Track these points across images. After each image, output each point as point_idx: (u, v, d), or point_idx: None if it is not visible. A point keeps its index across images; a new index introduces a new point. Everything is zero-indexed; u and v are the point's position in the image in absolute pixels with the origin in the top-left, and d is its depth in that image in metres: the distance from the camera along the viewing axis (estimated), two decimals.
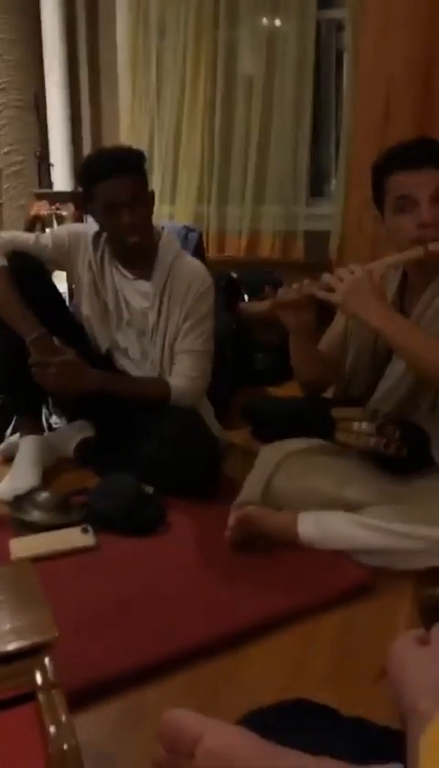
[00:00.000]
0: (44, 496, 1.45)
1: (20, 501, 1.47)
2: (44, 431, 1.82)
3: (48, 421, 1.94)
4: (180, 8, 3.31)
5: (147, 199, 1.69)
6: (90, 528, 1.39)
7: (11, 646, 0.64)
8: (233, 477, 1.72)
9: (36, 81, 3.46)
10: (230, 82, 3.34)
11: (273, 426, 1.75)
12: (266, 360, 2.68)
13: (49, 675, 0.63)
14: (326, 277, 1.35)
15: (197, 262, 1.81)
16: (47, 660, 0.64)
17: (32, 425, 1.73)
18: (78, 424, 1.87)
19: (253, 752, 0.57)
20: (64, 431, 1.88)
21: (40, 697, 0.60)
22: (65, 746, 0.54)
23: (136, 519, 1.41)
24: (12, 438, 1.83)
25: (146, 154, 1.79)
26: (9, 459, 1.76)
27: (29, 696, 0.61)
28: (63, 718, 0.58)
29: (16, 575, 0.77)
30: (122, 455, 1.68)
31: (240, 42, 3.33)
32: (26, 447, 1.67)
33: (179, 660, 1.04)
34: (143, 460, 1.59)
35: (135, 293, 1.76)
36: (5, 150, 3.41)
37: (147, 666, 1.02)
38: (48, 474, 1.70)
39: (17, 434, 1.78)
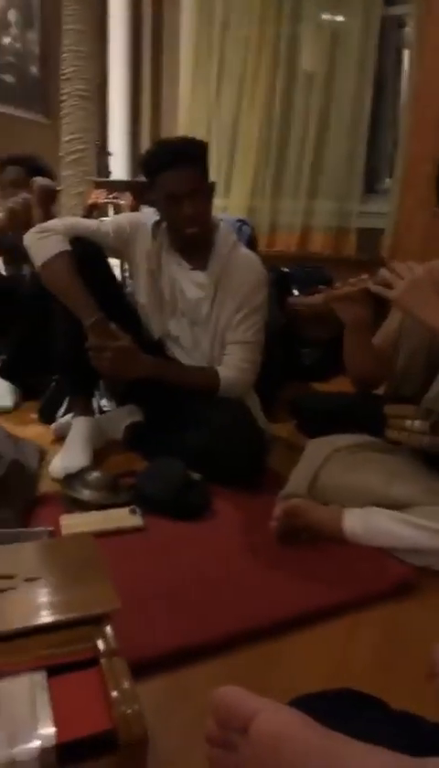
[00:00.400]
0: (94, 475, 1.49)
1: (71, 479, 1.50)
2: (94, 413, 1.86)
3: (98, 403, 1.98)
4: (245, 2, 3.31)
5: (207, 191, 1.71)
6: (137, 509, 1.42)
7: (76, 614, 0.67)
8: (277, 470, 1.73)
9: (100, 72, 3.52)
10: (290, 77, 3.33)
11: (319, 421, 1.76)
12: (314, 356, 2.67)
13: (111, 643, 0.65)
14: (384, 272, 1.34)
15: (252, 255, 1.82)
16: (108, 629, 0.67)
17: (84, 407, 1.78)
18: (127, 408, 1.90)
19: (307, 734, 0.58)
20: (114, 414, 1.91)
21: (103, 662, 0.63)
22: (128, 711, 0.56)
23: (183, 504, 1.43)
24: (64, 418, 1.87)
25: None
26: (61, 438, 1.81)
27: (93, 662, 0.64)
28: (125, 684, 0.60)
29: (80, 546, 0.80)
30: (169, 441, 1.70)
31: (303, 37, 3.32)
32: (78, 428, 1.71)
33: (222, 644, 1.05)
34: (190, 447, 1.61)
35: (191, 282, 1.78)
36: (67, 138, 3.47)
37: (190, 647, 1.04)
38: (98, 456, 1.73)
39: (69, 415, 1.83)
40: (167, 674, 1.01)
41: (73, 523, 1.34)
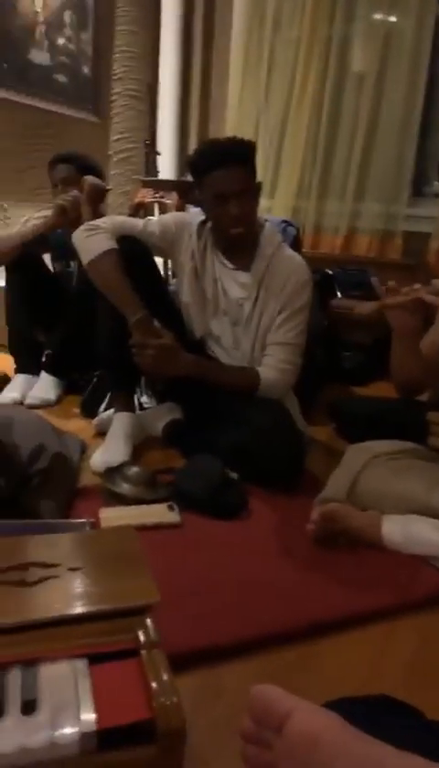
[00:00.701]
0: (134, 470, 1.51)
1: (111, 473, 1.53)
2: (135, 409, 1.89)
3: (138, 400, 2.01)
4: (297, 3, 3.30)
5: (254, 191, 1.72)
6: (175, 505, 1.43)
7: (118, 605, 0.68)
8: (314, 473, 1.73)
9: (151, 72, 3.56)
10: (340, 78, 3.30)
11: (360, 425, 1.74)
12: (355, 359, 2.65)
13: (151, 635, 0.66)
14: (437, 283, 1.33)
15: (297, 256, 1.82)
16: (149, 621, 0.68)
17: (126, 403, 1.80)
18: (167, 406, 1.92)
19: (341, 736, 0.58)
20: (154, 411, 1.94)
21: (143, 654, 0.64)
22: (168, 702, 0.57)
23: (220, 502, 1.44)
24: (105, 414, 1.90)
25: None
26: (101, 433, 1.84)
27: (133, 652, 0.65)
28: (164, 676, 0.61)
29: (122, 538, 0.82)
30: (208, 440, 1.71)
31: (355, 37, 3.28)
32: (119, 423, 1.74)
33: (255, 643, 1.06)
34: (229, 446, 1.62)
35: (234, 282, 1.79)
36: (116, 137, 3.53)
37: (224, 645, 1.04)
38: (137, 452, 1.76)
39: (111, 410, 1.86)
40: (200, 670, 1.01)
41: (112, 516, 1.36)
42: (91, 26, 3.33)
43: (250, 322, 1.77)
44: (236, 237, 1.71)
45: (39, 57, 3.10)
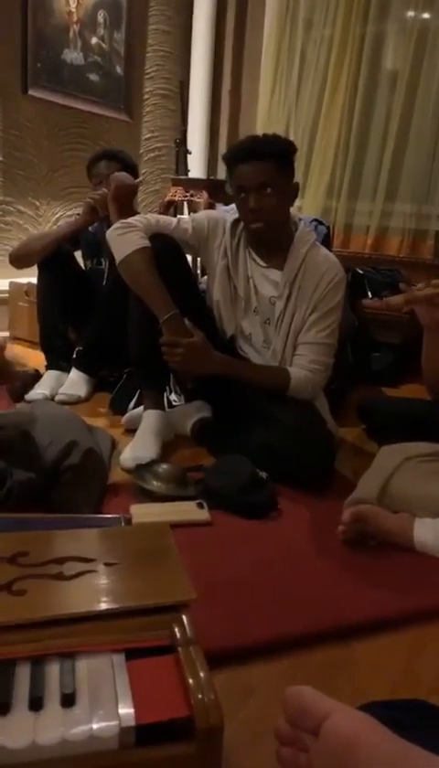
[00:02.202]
0: (164, 467, 1.52)
1: (141, 470, 1.54)
2: (165, 407, 1.89)
3: (167, 398, 2.01)
4: (330, 2, 3.29)
5: (280, 188, 1.68)
6: (205, 503, 1.43)
7: (156, 601, 0.68)
8: (344, 474, 1.72)
9: (183, 71, 3.57)
10: (373, 77, 3.28)
11: (391, 426, 1.73)
12: (384, 360, 2.62)
13: (188, 631, 0.66)
14: None
15: (331, 255, 1.80)
16: (185, 618, 0.68)
17: (156, 400, 1.81)
18: (196, 404, 1.93)
19: (380, 739, 0.57)
20: (183, 409, 1.94)
21: (180, 650, 0.64)
22: (206, 699, 0.57)
23: (250, 501, 1.44)
24: (135, 411, 1.91)
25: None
26: (130, 430, 1.85)
27: (169, 649, 0.65)
28: (202, 673, 0.61)
29: (157, 535, 0.82)
30: (237, 439, 1.71)
31: (388, 36, 3.25)
32: (149, 420, 1.75)
33: (286, 644, 1.05)
34: (258, 445, 1.61)
35: (266, 281, 1.78)
36: (147, 136, 3.55)
37: (254, 644, 1.04)
38: (166, 449, 1.76)
39: (140, 407, 1.87)
40: (230, 670, 1.01)
41: (143, 512, 1.37)
42: (124, 26, 3.35)
43: (281, 321, 1.76)
44: (255, 232, 1.71)
45: (73, 56, 3.14)
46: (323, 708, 0.60)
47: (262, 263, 1.78)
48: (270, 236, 1.72)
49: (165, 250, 1.71)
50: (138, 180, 2.14)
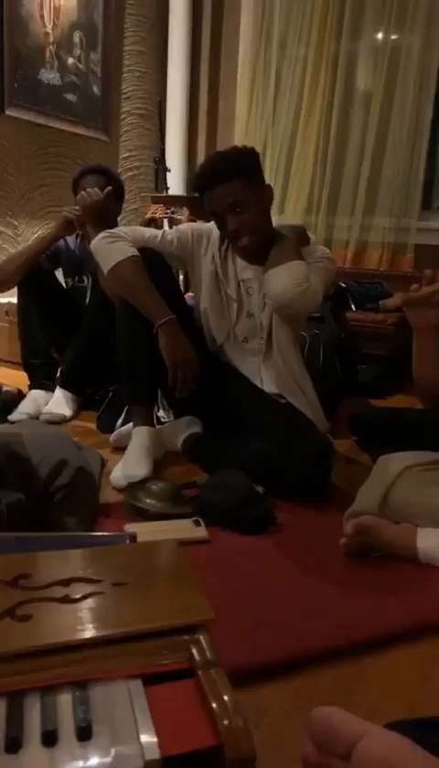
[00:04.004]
0: (158, 485, 1.47)
1: (134, 488, 1.49)
2: (155, 423, 1.85)
3: (155, 414, 1.97)
4: (304, 21, 3.35)
5: (254, 200, 1.64)
6: (201, 521, 1.39)
7: (174, 622, 0.64)
8: (340, 486, 1.69)
9: (159, 90, 3.59)
10: (348, 94, 3.33)
11: (383, 437, 1.71)
12: (371, 372, 2.62)
13: (207, 653, 0.62)
14: None
15: (319, 246, 1.80)
16: (202, 639, 0.64)
17: (145, 417, 1.76)
18: (186, 420, 1.89)
19: (416, 761, 0.54)
20: (173, 425, 1.90)
21: (201, 674, 0.60)
22: (234, 726, 0.53)
23: (248, 516, 1.40)
24: (124, 428, 1.87)
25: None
26: (118, 448, 1.80)
27: (187, 673, 0.61)
28: (226, 696, 0.57)
29: (166, 553, 0.78)
30: (230, 453, 1.68)
31: (361, 56, 3.31)
32: (140, 438, 1.70)
33: (295, 663, 1.02)
34: (253, 458, 1.58)
35: (257, 283, 1.74)
36: (125, 155, 3.55)
37: (263, 665, 1.00)
38: (157, 467, 1.72)
39: (129, 425, 1.82)
40: (240, 691, 0.96)
41: (139, 532, 1.31)
42: (100, 47, 3.37)
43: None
44: (242, 249, 1.69)
45: (49, 76, 3.13)
46: (353, 731, 0.57)
47: (252, 267, 1.75)
48: (258, 246, 1.70)
49: (152, 263, 1.69)
50: (106, 191, 2.08)
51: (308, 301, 1.63)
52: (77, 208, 2.12)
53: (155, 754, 0.51)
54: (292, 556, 1.32)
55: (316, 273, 1.66)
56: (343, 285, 2.79)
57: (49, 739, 0.53)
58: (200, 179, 1.68)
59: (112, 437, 1.87)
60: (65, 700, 0.57)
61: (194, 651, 0.63)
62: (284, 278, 1.60)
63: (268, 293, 1.67)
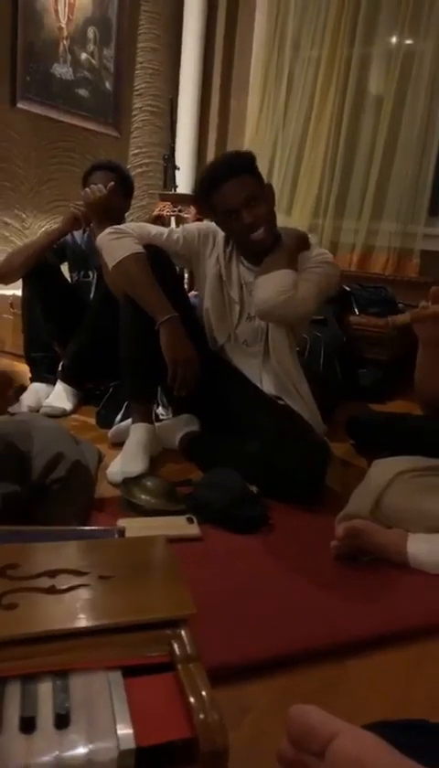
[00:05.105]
0: (153, 481, 1.48)
1: (129, 484, 1.50)
2: (153, 420, 1.86)
3: (155, 412, 1.98)
4: (318, 23, 3.35)
5: (264, 195, 1.70)
6: (194, 518, 1.40)
7: (155, 616, 0.65)
8: (334, 489, 1.70)
9: (171, 88, 3.60)
10: (359, 98, 3.33)
11: (381, 442, 1.71)
12: (371, 376, 2.63)
13: (188, 648, 0.63)
14: None
15: (324, 251, 1.81)
16: (183, 633, 0.65)
17: (144, 413, 1.77)
18: (184, 418, 1.90)
19: (389, 762, 0.55)
20: (171, 423, 1.91)
21: (180, 668, 0.61)
22: (210, 720, 0.54)
23: (241, 515, 1.41)
24: (122, 424, 1.88)
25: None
26: (116, 444, 1.81)
27: (167, 666, 0.62)
28: (204, 692, 0.58)
29: (154, 548, 0.79)
30: (226, 452, 1.69)
31: (374, 59, 3.31)
32: (137, 434, 1.71)
33: (279, 663, 1.02)
34: (249, 458, 1.59)
35: None
36: (134, 152, 3.55)
37: (247, 663, 1.01)
38: (154, 464, 1.73)
39: (128, 421, 1.83)
40: (224, 688, 0.97)
41: (132, 527, 1.31)
42: (113, 43, 3.37)
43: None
44: (259, 242, 1.69)
45: (62, 71, 3.14)
46: (329, 729, 0.57)
47: (254, 268, 1.77)
48: (270, 241, 1.71)
49: (156, 260, 1.70)
50: (109, 187, 2.09)
51: (293, 309, 1.64)
52: (82, 203, 2.13)
53: (130, 744, 0.52)
54: (282, 556, 1.33)
55: (310, 280, 1.67)
56: (347, 289, 2.79)
57: (28, 725, 0.54)
58: (205, 180, 1.70)
59: (111, 432, 1.88)
60: (45, 688, 0.58)
61: (175, 645, 0.63)
62: (270, 286, 1.62)
63: (253, 301, 1.69)
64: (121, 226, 1.76)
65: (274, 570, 1.27)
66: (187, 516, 1.41)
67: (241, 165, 1.68)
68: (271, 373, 1.79)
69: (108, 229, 1.73)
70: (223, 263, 1.78)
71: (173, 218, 3.08)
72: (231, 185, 1.64)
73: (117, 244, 1.68)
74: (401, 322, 1.41)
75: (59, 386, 2.19)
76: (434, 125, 3.11)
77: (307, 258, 1.72)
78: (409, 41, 3.17)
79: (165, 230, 1.80)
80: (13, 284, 2.32)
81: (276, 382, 1.77)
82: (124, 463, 1.61)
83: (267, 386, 1.81)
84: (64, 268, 2.39)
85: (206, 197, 1.70)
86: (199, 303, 1.87)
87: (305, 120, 3.43)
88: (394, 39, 3.22)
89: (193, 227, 1.87)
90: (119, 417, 1.97)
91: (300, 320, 1.75)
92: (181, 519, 1.40)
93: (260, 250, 1.72)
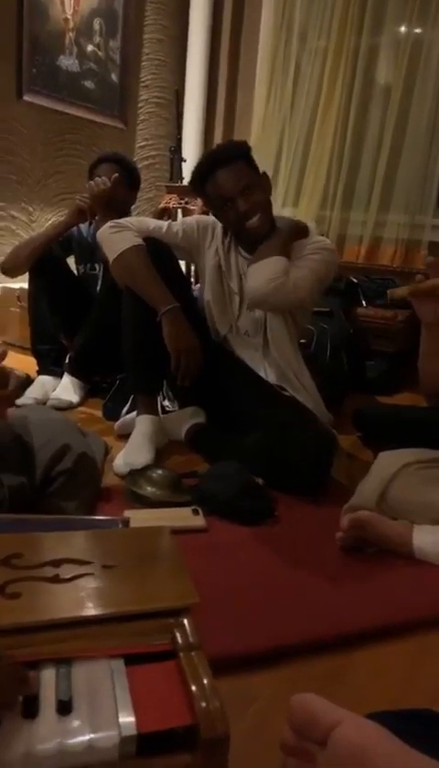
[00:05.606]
0: (159, 473, 1.49)
1: (135, 475, 1.51)
2: (159, 412, 1.87)
3: (160, 404, 1.99)
4: (325, 14, 3.32)
5: (260, 183, 1.69)
6: (200, 510, 1.41)
7: (157, 605, 0.66)
8: (340, 481, 1.70)
9: (178, 80, 3.58)
10: (367, 88, 3.30)
11: (388, 434, 1.70)
12: (378, 368, 2.62)
13: (190, 636, 0.64)
14: None
15: (323, 238, 1.80)
16: (187, 622, 0.65)
17: (149, 405, 1.78)
18: (190, 410, 1.90)
19: (391, 749, 0.55)
20: (177, 415, 1.92)
21: (182, 656, 0.61)
22: (211, 707, 0.55)
23: (246, 507, 1.41)
24: (128, 416, 1.89)
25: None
26: (123, 436, 1.82)
27: (169, 654, 0.63)
28: (205, 680, 0.58)
29: (157, 538, 0.79)
30: (232, 444, 1.69)
31: (382, 49, 3.28)
32: (143, 426, 1.72)
33: (284, 653, 1.03)
34: (254, 450, 1.59)
35: None
36: (141, 144, 3.54)
37: (253, 653, 1.01)
38: (159, 456, 1.73)
39: (133, 413, 1.84)
40: (228, 678, 0.98)
41: (136, 518, 1.32)
42: (119, 34, 3.36)
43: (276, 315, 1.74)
44: (255, 230, 1.68)
45: (68, 63, 3.13)
46: (332, 717, 0.58)
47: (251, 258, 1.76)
48: (265, 228, 1.70)
49: (157, 253, 1.70)
50: (113, 179, 2.08)
51: (284, 296, 1.62)
52: (87, 195, 2.13)
53: (131, 731, 0.53)
54: (288, 547, 1.33)
55: (305, 266, 1.66)
56: (354, 281, 2.78)
57: (30, 711, 0.54)
58: (201, 168, 1.70)
59: (117, 425, 1.89)
60: (48, 676, 0.59)
61: (177, 634, 0.64)
62: (260, 274, 1.61)
63: (245, 290, 1.68)
64: (121, 220, 1.76)
65: (279, 562, 1.27)
66: (193, 507, 1.42)
67: (236, 152, 1.68)
68: (272, 364, 1.79)
69: (108, 223, 1.74)
70: (222, 254, 1.78)
71: (179, 211, 3.08)
72: (226, 172, 1.64)
73: (117, 237, 1.69)
74: (398, 295, 1.39)
75: (66, 378, 2.20)
76: None
77: (303, 246, 1.71)
78: (417, 30, 3.13)
79: (164, 224, 1.81)
80: (19, 278, 2.32)
81: (278, 373, 1.77)
82: (130, 454, 1.62)
83: (270, 376, 1.81)
84: (70, 261, 2.39)
85: (201, 185, 1.70)
86: (200, 294, 1.87)
87: (313, 111, 3.40)
88: (403, 29, 3.18)
89: (192, 219, 1.87)
90: (125, 409, 1.98)
91: (294, 307, 1.73)
92: (186, 511, 1.40)
93: (256, 238, 1.70)
